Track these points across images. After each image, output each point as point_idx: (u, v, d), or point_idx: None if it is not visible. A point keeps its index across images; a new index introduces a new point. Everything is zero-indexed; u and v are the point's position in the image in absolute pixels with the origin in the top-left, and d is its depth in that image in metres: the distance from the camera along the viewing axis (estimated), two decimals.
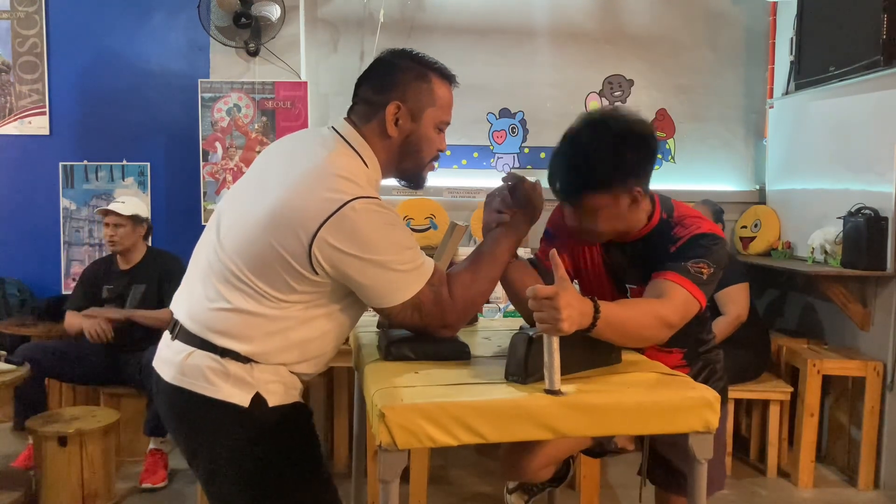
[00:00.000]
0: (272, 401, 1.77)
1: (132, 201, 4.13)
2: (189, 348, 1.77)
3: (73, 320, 3.97)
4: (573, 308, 1.60)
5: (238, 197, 1.88)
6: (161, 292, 4.02)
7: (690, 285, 1.89)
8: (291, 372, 1.83)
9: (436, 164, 1.99)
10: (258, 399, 1.75)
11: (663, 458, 2.22)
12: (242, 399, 1.74)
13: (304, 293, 1.75)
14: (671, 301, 1.87)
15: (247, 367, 1.75)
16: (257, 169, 1.93)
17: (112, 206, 4.06)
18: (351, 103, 1.94)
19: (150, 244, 4.24)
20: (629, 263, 2.09)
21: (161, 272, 4.06)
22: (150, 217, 4.22)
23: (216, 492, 1.84)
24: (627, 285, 2.10)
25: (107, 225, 4.06)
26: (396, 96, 1.85)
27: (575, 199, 1.96)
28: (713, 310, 4.01)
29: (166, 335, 1.88)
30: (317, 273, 1.71)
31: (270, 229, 1.71)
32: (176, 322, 1.84)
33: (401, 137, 1.87)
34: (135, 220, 4.06)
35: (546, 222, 2.25)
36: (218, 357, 1.74)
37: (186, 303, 1.84)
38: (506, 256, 1.97)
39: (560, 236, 2.18)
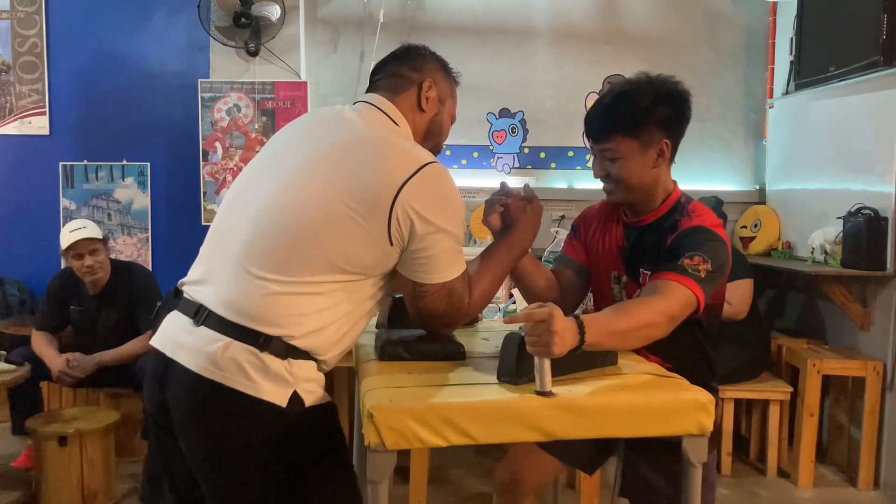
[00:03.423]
0: (308, 401, 1.68)
1: (88, 223, 3.92)
2: (224, 338, 1.64)
3: (44, 350, 3.83)
4: (567, 330, 1.62)
5: (282, 175, 1.77)
6: (133, 318, 3.90)
7: (687, 281, 1.89)
8: (320, 361, 1.73)
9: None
10: (296, 399, 1.66)
11: (640, 474, 2.20)
12: (281, 398, 1.64)
13: (369, 266, 1.70)
14: (667, 295, 1.87)
15: (285, 363, 1.64)
16: (290, 145, 1.86)
17: (82, 235, 3.76)
18: (372, 81, 1.99)
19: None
20: (642, 247, 2.12)
21: (131, 294, 3.92)
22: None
23: (233, 495, 1.72)
24: (641, 270, 2.10)
25: (80, 256, 3.77)
26: (429, 77, 1.95)
27: (606, 140, 2.05)
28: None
29: (185, 319, 1.73)
30: (391, 243, 1.68)
31: (347, 200, 1.65)
32: (200, 307, 1.71)
33: (430, 115, 1.95)
34: (105, 240, 3.90)
35: (574, 219, 2.39)
36: (257, 350, 1.63)
37: (218, 288, 1.71)
38: (511, 267, 2.04)
39: (583, 230, 2.31)
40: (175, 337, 1.74)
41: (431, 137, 1.98)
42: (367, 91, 1.97)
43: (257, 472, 1.67)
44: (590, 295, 2.39)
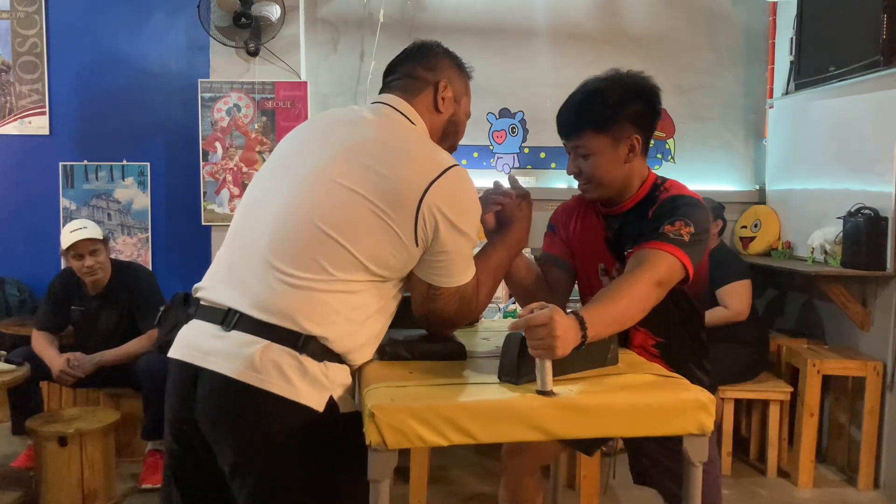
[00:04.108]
0: (342, 407, 1.67)
1: (89, 223, 3.92)
2: (261, 340, 1.60)
3: (44, 350, 3.83)
4: (568, 331, 1.63)
5: (304, 174, 1.74)
6: (134, 318, 3.92)
7: (670, 247, 1.91)
8: (352, 365, 1.72)
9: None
10: (331, 404, 1.65)
11: (645, 458, 2.22)
12: (319, 402, 1.62)
13: (393, 268, 1.70)
14: (650, 263, 1.89)
15: (322, 366, 1.63)
16: (309, 145, 1.83)
17: (82, 235, 3.77)
18: (386, 81, 1.97)
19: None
20: (626, 232, 2.13)
21: (132, 294, 3.93)
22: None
23: (268, 499, 1.66)
24: (626, 252, 2.11)
25: (81, 257, 3.78)
26: (444, 76, 1.93)
27: (577, 138, 2.06)
28: (712, 304, 4.04)
29: (211, 327, 1.68)
30: (417, 244, 1.68)
31: (375, 200, 1.64)
32: (228, 311, 1.66)
33: (447, 115, 1.93)
34: (105, 241, 3.91)
35: (550, 218, 2.39)
36: (296, 353, 1.60)
37: (246, 290, 1.67)
38: (510, 264, 2.06)
39: (562, 227, 2.32)
40: (202, 345, 1.68)
41: (448, 137, 1.97)
42: (382, 91, 1.95)
43: (292, 475, 1.64)
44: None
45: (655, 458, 2.18)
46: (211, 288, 1.75)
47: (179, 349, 1.74)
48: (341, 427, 1.66)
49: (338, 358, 1.67)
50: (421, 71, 1.92)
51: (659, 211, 2.02)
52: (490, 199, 2.06)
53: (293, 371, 1.60)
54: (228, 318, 1.65)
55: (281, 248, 1.66)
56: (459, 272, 1.76)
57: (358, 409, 1.72)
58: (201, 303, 1.74)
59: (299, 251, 1.64)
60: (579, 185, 2.16)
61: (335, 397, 1.66)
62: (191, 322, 1.75)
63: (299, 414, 1.60)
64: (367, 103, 1.95)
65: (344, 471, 1.68)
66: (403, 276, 1.77)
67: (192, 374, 1.67)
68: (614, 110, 2.03)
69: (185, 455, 1.77)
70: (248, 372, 1.59)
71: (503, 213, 2.05)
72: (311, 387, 1.62)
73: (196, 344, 1.70)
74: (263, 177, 1.86)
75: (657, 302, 1.90)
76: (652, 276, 1.87)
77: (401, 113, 1.86)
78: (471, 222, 1.74)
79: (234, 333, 1.63)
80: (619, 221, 2.16)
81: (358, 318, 1.68)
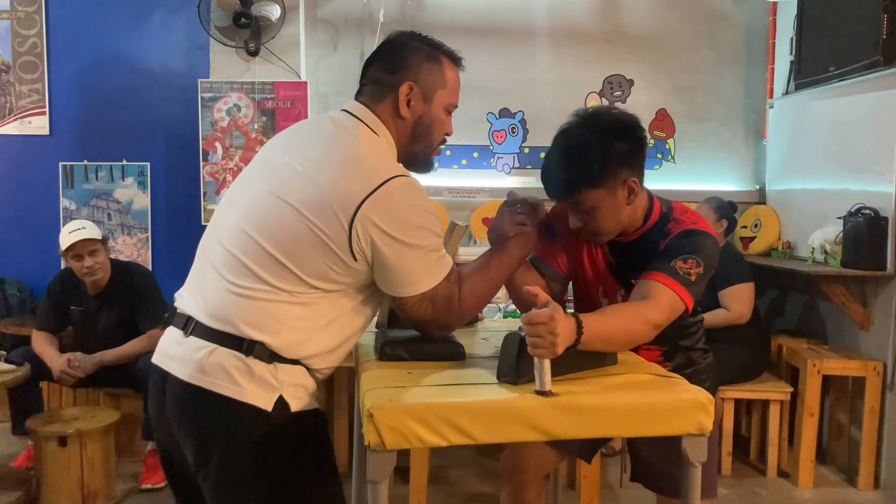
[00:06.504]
0: (294, 406, 1.69)
1: (88, 223, 3.90)
2: (210, 345, 1.67)
3: (44, 350, 3.83)
4: (566, 329, 1.63)
5: (256, 186, 1.78)
6: (134, 319, 3.91)
7: (677, 286, 1.89)
8: (312, 370, 1.75)
9: (442, 148, 1.99)
10: (281, 403, 1.67)
11: (647, 461, 2.22)
12: (266, 402, 1.66)
13: (337, 281, 1.69)
14: (656, 302, 1.87)
15: (271, 367, 1.66)
16: (270, 157, 1.85)
17: (81, 236, 3.75)
18: (359, 85, 1.92)
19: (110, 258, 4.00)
20: (632, 261, 2.08)
21: (132, 294, 3.92)
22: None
23: (226, 498, 1.72)
24: (633, 280, 2.07)
25: (80, 257, 3.76)
26: (409, 77, 1.84)
27: (572, 198, 1.98)
28: (714, 305, 4.03)
29: (175, 333, 1.77)
30: (355, 258, 1.66)
31: (308, 214, 1.65)
32: (188, 318, 1.74)
33: (413, 119, 1.86)
34: (105, 241, 3.89)
35: (548, 215, 2.25)
36: (242, 355, 1.65)
37: (202, 298, 1.74)
38: (515, 267, 2.01)
39: (562, 234, 2.20)
40: (168, 350, 1.78)
41: (421, 139, 1.89)
42: (355, 96, 1.91)
43: (245, 474, 1.68)
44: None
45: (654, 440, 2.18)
46: (180, 295, 1.84)
47: (155, 354, 1.83)
48: (295, 425, 1.70)
49: (292, 360, 1.70)
50: (384, 75, 1.85)
51: (674, 243, 1.98)
52: (514, 219, 2.02)
53: (239, 373, 1.65)
54: (188, 326, 1.74)
55: (227, 259, 1.72)
56: (414, 281, 1.73)
57: (317, 406, 1.78)
58: (176, 309, 1.82)
59: (240, 262, 1.69)
60: (584, 236, 2.09)
61: (286, 396, 1.68)
62: (168, 327, 1.83)
63: (248, 413, 1.65)
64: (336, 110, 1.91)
65: (304, 464, 1.72)
66: (360, 287, 1.76)
67: (162, 377, 1.76)
68: (602, 162, 1.92)
69: (171, 453, 1.84)
70: (197, 375, 1.67)
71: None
72: (259, 387, 1.66)
73: (164, 349, 1.80)
74: (232, 189, 1.90)
75: (646, 342, 1.93)
76: (654, 319, 1.84)
77: (362, 122, 1.82)
78: (415, 232, 1.69)
79: (191, 339, 1.72)
80: (625, 249, 2.10)
81: (306, 328, 1.70)
